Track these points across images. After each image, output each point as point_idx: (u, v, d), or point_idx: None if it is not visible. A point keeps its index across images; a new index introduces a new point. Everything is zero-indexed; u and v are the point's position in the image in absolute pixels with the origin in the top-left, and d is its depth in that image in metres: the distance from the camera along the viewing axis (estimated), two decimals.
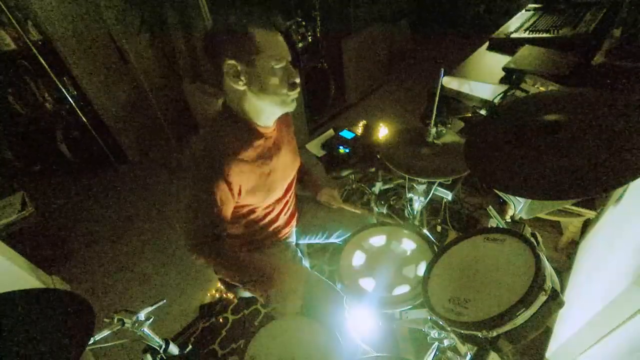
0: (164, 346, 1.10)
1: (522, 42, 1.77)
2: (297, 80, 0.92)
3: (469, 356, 0.84)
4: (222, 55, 0.85)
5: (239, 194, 0.97)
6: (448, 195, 1.46)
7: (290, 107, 0.96)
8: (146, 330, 0.99)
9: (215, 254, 1.01)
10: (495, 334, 0.64)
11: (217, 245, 1.00)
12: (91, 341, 0.77)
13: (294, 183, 1.22)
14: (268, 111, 0.96)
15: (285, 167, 1.11)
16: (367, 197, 2.28)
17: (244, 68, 0.85)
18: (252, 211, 1.08)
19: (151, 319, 1.00)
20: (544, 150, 0.72)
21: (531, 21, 1.97)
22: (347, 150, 1.65)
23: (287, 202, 1.20)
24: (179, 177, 2.97)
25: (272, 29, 0.86)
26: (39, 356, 0.70)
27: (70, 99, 2.67)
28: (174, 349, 1.14)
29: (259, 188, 1.01)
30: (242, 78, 0.87)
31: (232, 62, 0.84)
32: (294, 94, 0.93)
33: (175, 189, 2.84)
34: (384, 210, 1.45)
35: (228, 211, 0.98)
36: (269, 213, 1.13)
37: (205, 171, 0.90)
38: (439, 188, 1.43)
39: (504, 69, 1.60)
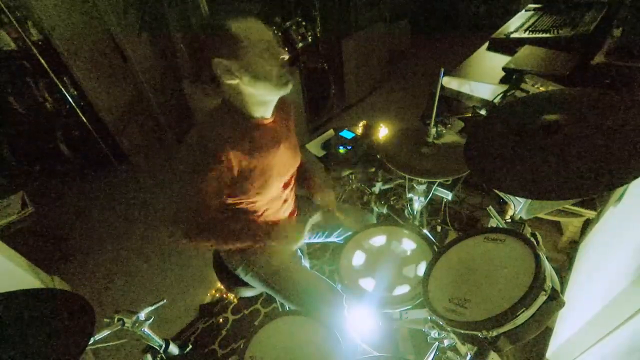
0: (164, 346, 1.10)
1: (522, 42, 1.77)
2: (285, 56, 0.92)
3: (469, 356, 0.84)
4: (208, 56, 0.86)
5: (235, 181, 0.97)
6: (448, 195, 1.46)
7: (286, 89, 0.95)
8: (146, 330, 0.99)
9: (209, 233, 1.00)
10: (495, 333, 0.64)
11: (210, 225, 0.99)
12: (91, 341, 0.78)
13: (292, 181, 1.22)
14: (265, 99, 0.96)
15: (283, 163, 1.11)
16: (367, 197, 2.28)
17: (230, 62, 0.86)
18: (251, 208, 1.08)
19: (151, 319, 1.00)
20: (543, 150, 0.72)
21: (531, 21, 1.97)
22: (347, 150, 1.65)
23: (285, 200, 1.19)
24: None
25: (246, 16, 0.87)
26: (39, 356, 0.70)
27: (70, 99, 2.67)
28: (174, 349, 1.14)
29: (254, 181, 1.00)
30: (233, 72, 0.87)
31: (218, 59, 0.86)
32: (285, 72, 0.93)
33: (175, 189, 2.84)
34: (384, 210, 1.45)
35: (222, 196, 0.99)
36: (267, 210, 1.13)
37: (200, 156, 0.91)
38: (439, 188, 1.43)
39: (504, 69, 1.60)
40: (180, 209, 0.97)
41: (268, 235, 1.05)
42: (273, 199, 1.13)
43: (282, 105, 1.07)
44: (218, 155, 0.90)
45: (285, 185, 1.16)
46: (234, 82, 0.89)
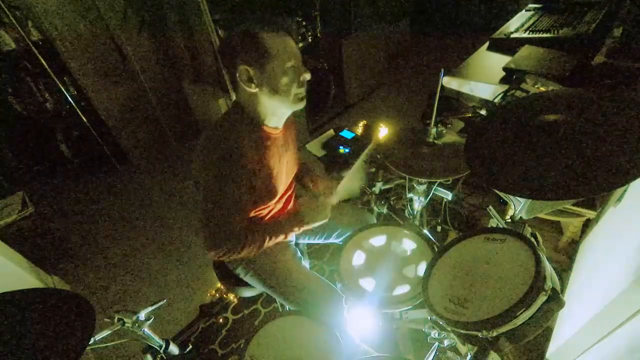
0: (164, 346, 1.10)
1: (522, 42, 1.77)
2: (308, 77, 0.95)
3: (469, 356, 0.84)
4: (235, 61, 0.88)
5: (254, 191, 0.98)
6: (448, 195, 1.46)
7: (301, 105, 0.98)
8: (146, 330, 0.99)
9: (245, 242, 0.98)
10: (495, 334, 0.64)
11: (246, 233, 0.99)
12: (91, 341, 0.78)
13: (293, 182, 1.23)
14: (279, 111, 0.99)
15: (289, 169, 1.13)
16: (367, 197, 2.28)
17: (255, 72, 0.88)
18: (258, 213, 1.09)
19: (151, 319, 1.00)
20: (544, 150, 0.72)
21: (531, 21, 1.97)
22: (347, 150, 1.65)
23: (286, 200, 1.20)
24: (180, 176, 2.97)
25: (280, 32, 0.89)
26: (39, 356, 0.70)
27: (70, 99, 2.67)
28: (174, 349, 1.14)
29: (266, 188, 1.02)
30: (255, 81, 0.89)
31: (245, 67, 0.88)
32: (303, 91, 0.96)
33: (175, 189, 2.84)
34: (384, 210, 1.45)
35: (253, 203, 1.01)
36: (269, 212, 1.14)
37: (225, 166, 0.90)
38: (439, 188, 1.43)
39: (504, 69, 1.60)
40: (214, 230, 0.94)
41: (298, 217, 1.07)
42: (277, 202, 1.14)
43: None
44: (242, 162, 0.91)
45: (288, 189, 1.18)
46: (254, 90, 0.91)
